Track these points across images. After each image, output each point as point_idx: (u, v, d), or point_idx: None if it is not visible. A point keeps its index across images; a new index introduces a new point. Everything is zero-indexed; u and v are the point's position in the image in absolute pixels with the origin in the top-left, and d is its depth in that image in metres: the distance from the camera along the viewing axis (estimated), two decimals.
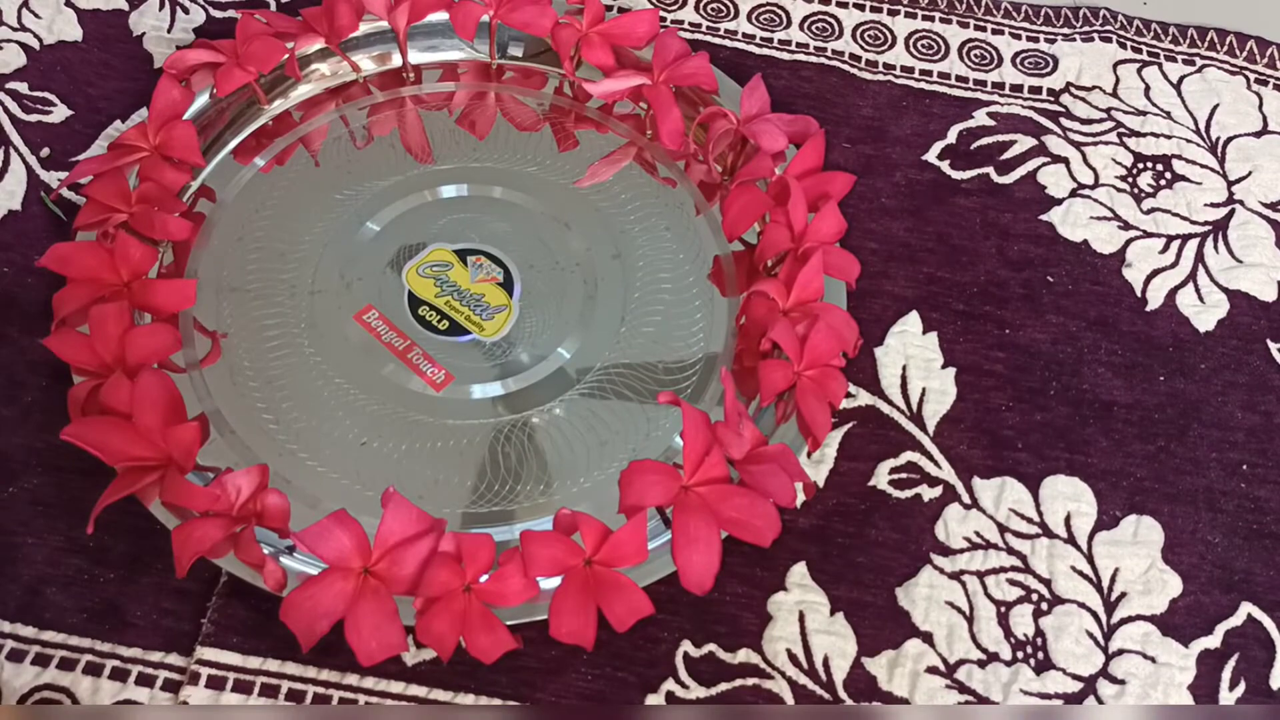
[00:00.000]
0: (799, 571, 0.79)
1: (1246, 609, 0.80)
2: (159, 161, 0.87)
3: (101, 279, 0.81)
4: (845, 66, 1.05)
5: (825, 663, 0.76)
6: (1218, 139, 1.03)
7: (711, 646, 0.76)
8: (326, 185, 0.93)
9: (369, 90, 0.99)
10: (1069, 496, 0.84)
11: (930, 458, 0.84)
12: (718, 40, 1.06)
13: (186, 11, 1.03)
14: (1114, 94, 1.05)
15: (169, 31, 1.02)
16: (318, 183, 0.93)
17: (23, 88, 0.96)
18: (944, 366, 0.89)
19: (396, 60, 1.00)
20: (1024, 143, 1.01)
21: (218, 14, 1.04)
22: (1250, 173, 1.01)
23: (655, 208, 0.94)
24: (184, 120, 0.90)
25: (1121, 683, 0.77)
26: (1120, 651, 0.78)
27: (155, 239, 0.85)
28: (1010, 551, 0.81)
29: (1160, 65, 1.08)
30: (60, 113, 0.95)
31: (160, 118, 0.89)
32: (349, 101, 0.98)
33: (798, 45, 1.07)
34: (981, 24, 1.10)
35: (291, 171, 0.93)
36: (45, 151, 0.93)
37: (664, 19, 1.07)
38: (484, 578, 0.71)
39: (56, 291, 0.81)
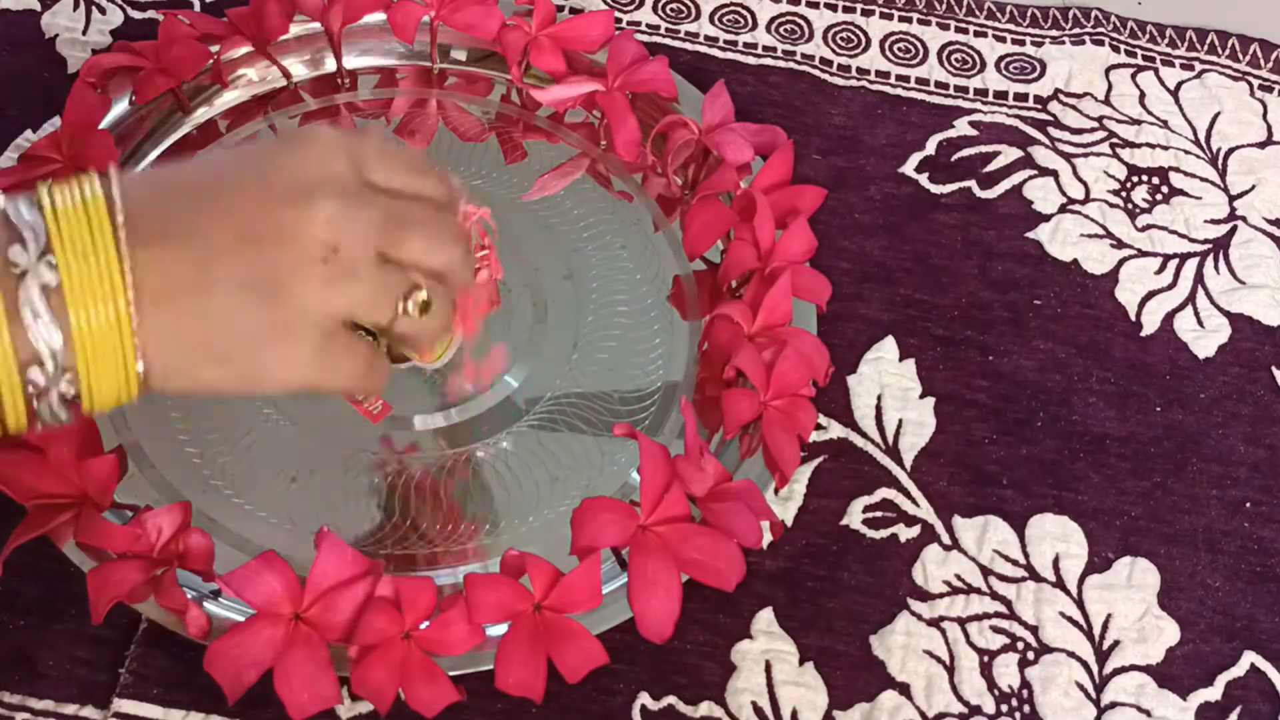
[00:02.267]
0: (765, 618, 0.81)
1: (1250, 658, 0.82)
2: (70, 173, 0.88)
3: None
4: (815, 71, 1.07)
5: (794, 716, 0.77)
6: (1219, 150, 1.06)
7: (671, 699, 0.78)
8: None
9: (300, 97, 1.00)
10: (1057, 537, 0.85)
11: (907, 495, 0.86)
12: (678, 43, 1.08)
13: (103, 12, 1.05)
14: (1106, 101, 1.08)
15: (84, 34, 1.03)
16: None
17: None
18: (922, 396, 0.91)
19: (330, 65, 1.02)
20: (1009, 154, 1.03)
21: (137, 15, 1.05)
22: (1254, 186, 1.04)
23: (610, 224, 0.96)
24: (100, 129, 0.91)
25: None
26: (1113, 705, 0.79)
27: None
28: (994, 596, 0.83)
29: (1156, 70, 1.10)
30: None
31: (74, 127, 0.90)
32: (279, 109, 0.99)
33: (764, 49, 1.09)
34: (963, 26, 1.12)
35: None
36: None
37: (620, 20, 1.09)
38: (425, 624, 0.72)
39: None
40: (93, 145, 0.89)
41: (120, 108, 0.95)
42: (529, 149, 1.00)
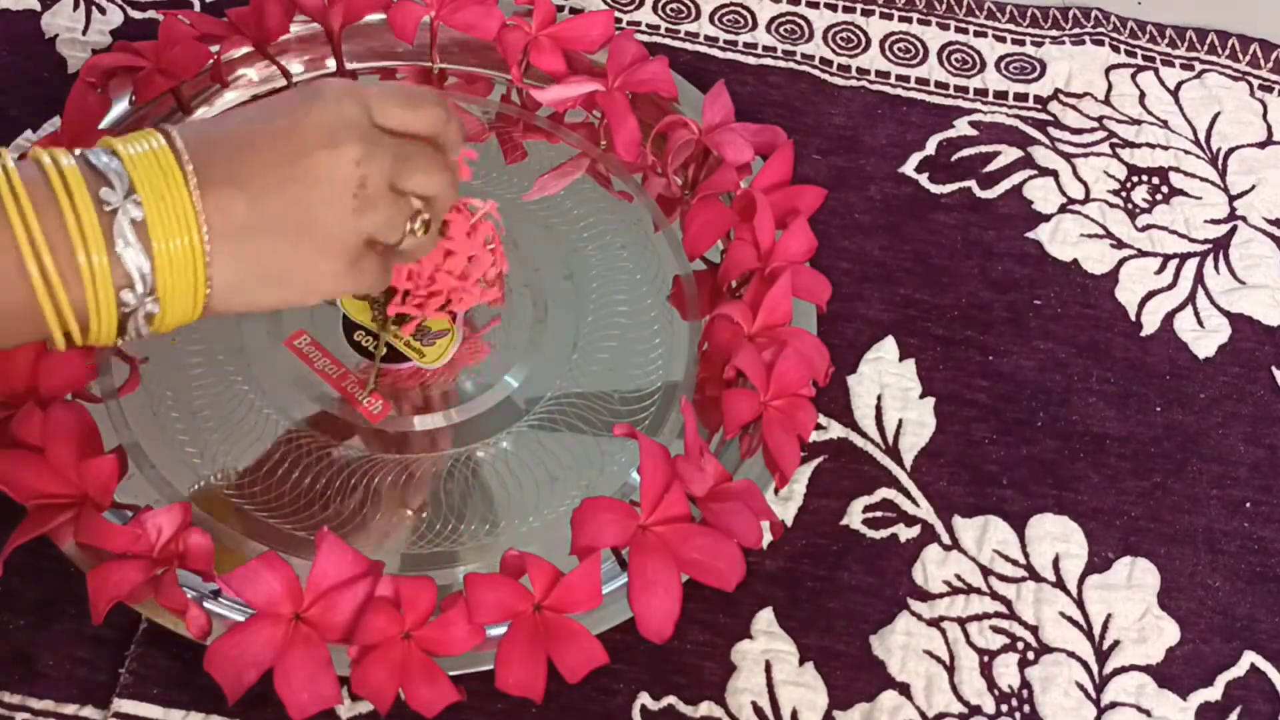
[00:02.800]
0: (765, 618, 0.81)
1: (1249, 658, 0.82)
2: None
3: None
4: (815, 71, 1.08)
5: (794, 716, 0.78)
6: (1218, 150, 1.06)
7: (671, 699, 0.78)
8: None
9: None
10: (1057, 537, 0.86)
11: (907, 495, 0.87)
12: (678, 43, 1.08)
13: (103, 12, 1.05)
14: (1106, 101, 1.08)
15: (84, 34, 1.04)
16: None
17: None
18: (922, 396, 0.91)
19: (330, 65, 1.02)
20: (1009, 154, 1.04)
21: (137, 15, 1.05)
22: (1254, 186, 1.04)
23: (610, 224, 0.96)
24: (100, 129, 0.91)
25: None
26: (1113, 705, 0.80)
27: None
28: (994, 596, 0.83)
29: (1156, 70, 1.11)
30: None
31: (74, 127, 0.90)
32: None
33: (764, 49, 1.09)
34: (963, 25, 1.12)
35: None
36: None
37: (620, 20, 1.09)
38: (425, 624, 0.72)
39: None
40: (92, 146, 0.89)
41: (120, 108, 0.95)
42: (529, 149, 1.00)
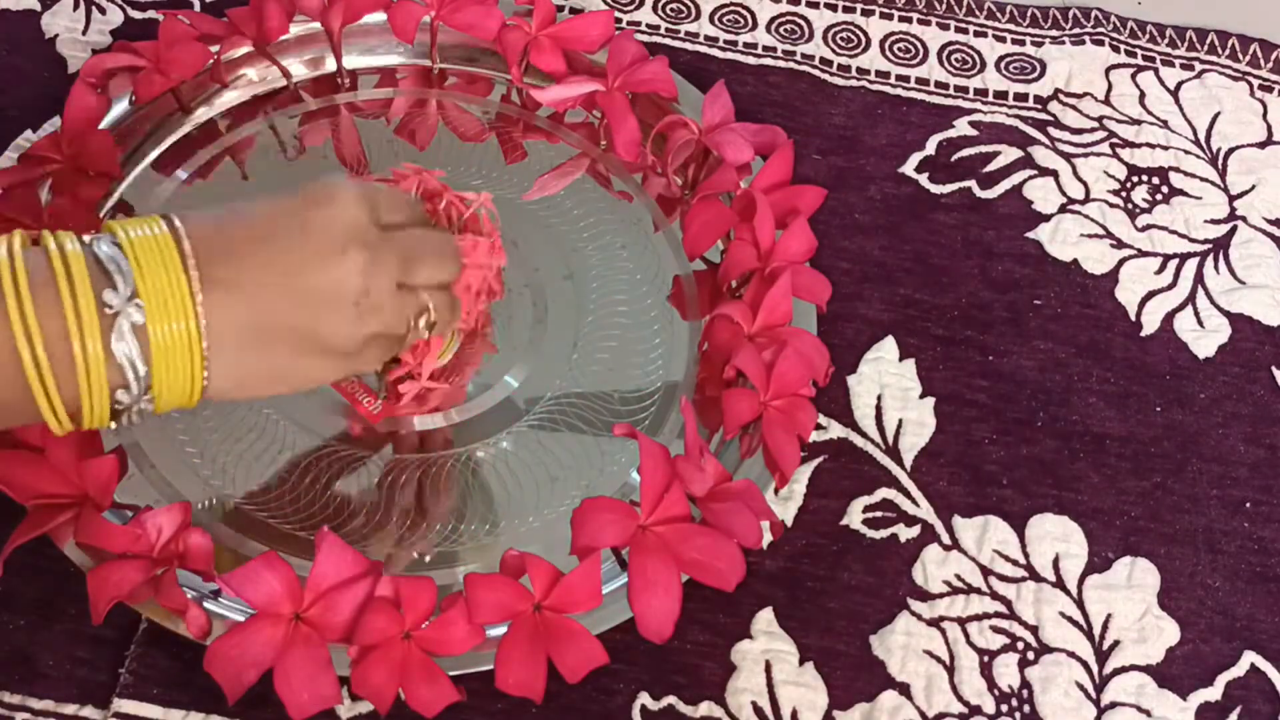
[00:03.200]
0: (765, 618, 0.81)
1: (1250, 658, 0.82)
2: (73, 174, 0.89)
3: None
4: (815, 71, 1.08)
5: (794, 716, 0.78)
6: (1218, 150, 1.06)
7: (671, 699, 0.78)
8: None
9: (300, 97, 1.01)
10: (1057, 537, 0.86)
11: (907, 495, 0.87)
12: (678, 43, 1.09)
13: (103, 12, 1.05)
14: (1106, 101, 1.08)
15: (84, 34, 1.04)
16: (245, 196, 0.94)
17: None
18: (922, 396, 0.91)
19: (330, 65, 1.02)
20: (1009, 154, 1.04)
21: (137, 15, 1.05)
22: (1254, 186, 1.04)
23: (610, 224, 0.96)
24: (100, 129, 0.91)
25: None
26: (1113, 705, 0.80)
27: None
28: (994, 596, 0.83)
29: (1156, 70, 1.11)
30: None
31: (74, 127, 0.90)
32: (279, 109, 1.00)
33: (764, 49, 1.09)
34: (963, 25, 1.12)
35: (217, 185, 0.96)
36: None
37: (620, 20, 1.09)
38: (425, 624, 0.72)
39: None
40: (93, 145, 0.90)
41: (120, 108, 0.95)
42: (529, 149, 1.00)
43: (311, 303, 0.68)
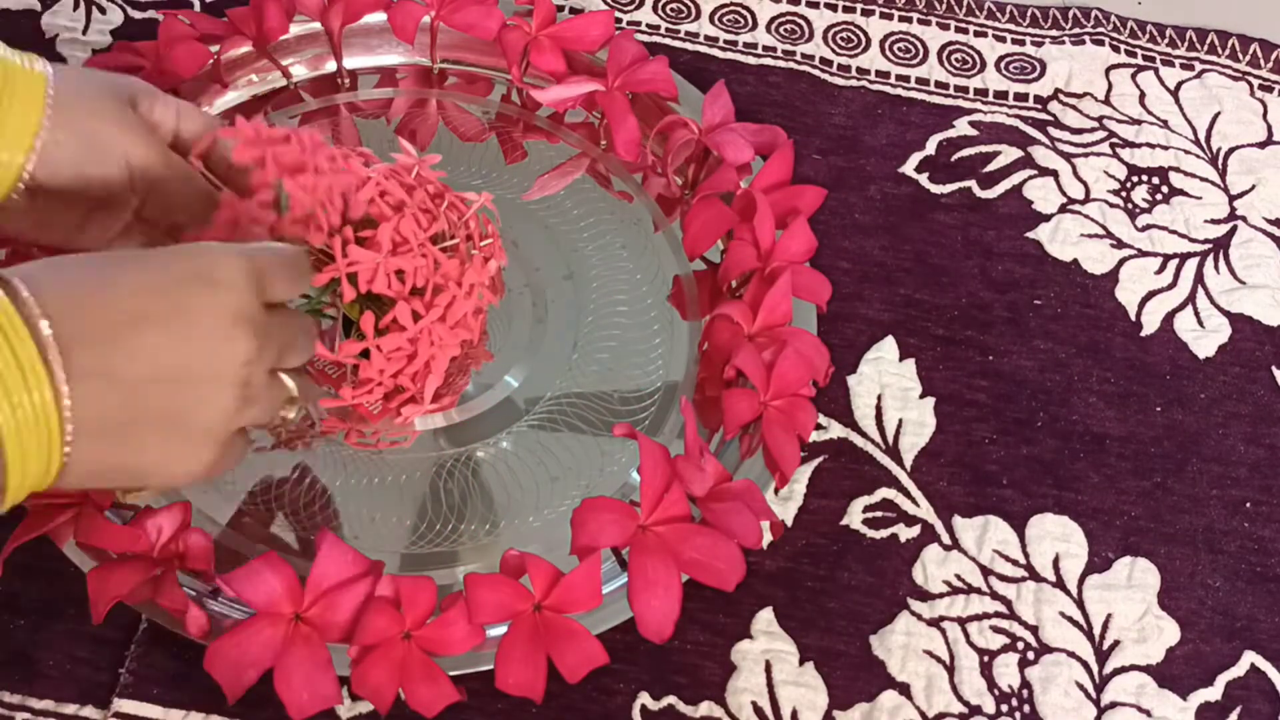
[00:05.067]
0: (765, 618, 0.81)
1: (1250, 658, 0.83)
2: None
3: None
4: (815, 71, 1.08)
5: (794, 716, 0.78)
6: (1218, 150, 1.06)
7: (671, 699, 0.78)
8: None
9: (301, 97, 1.01)
10: (1058, 537, 0.86)
11: (907, 495, 0.87)
12: (678, 43, 1.09)
13: (103, 12, 1.05)
14: (1106, 101, 1.08)
15: (84, 34, 1.04)
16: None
17: None
18: (922, 396, 0.91)
19: (330, 66, 1.02)
20: (1009, 154, 1.04)
21: (137, 15, 1.05)
22: (1254, 186, 1.04)
23: (610, 224, 0.96)
24: None
25: None
26: (1113, 705, 0.80)
27: None
28: (994, 596, 0.83)
29: (1156, 70, 1.11)
30: None
31: None
32: (279, 109, 1.00)
33: (764, 49, 1.09)
34: (963, 25, 1.13)
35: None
36: None
37: (620, 20, 1.09)
38: (425, 624, 0.72)
39: None
40: None
41: None
42: (529, 149, 1.00)
43: (190, 390, 0.62)
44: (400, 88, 1.03)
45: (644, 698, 0.78)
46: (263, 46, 0.98)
